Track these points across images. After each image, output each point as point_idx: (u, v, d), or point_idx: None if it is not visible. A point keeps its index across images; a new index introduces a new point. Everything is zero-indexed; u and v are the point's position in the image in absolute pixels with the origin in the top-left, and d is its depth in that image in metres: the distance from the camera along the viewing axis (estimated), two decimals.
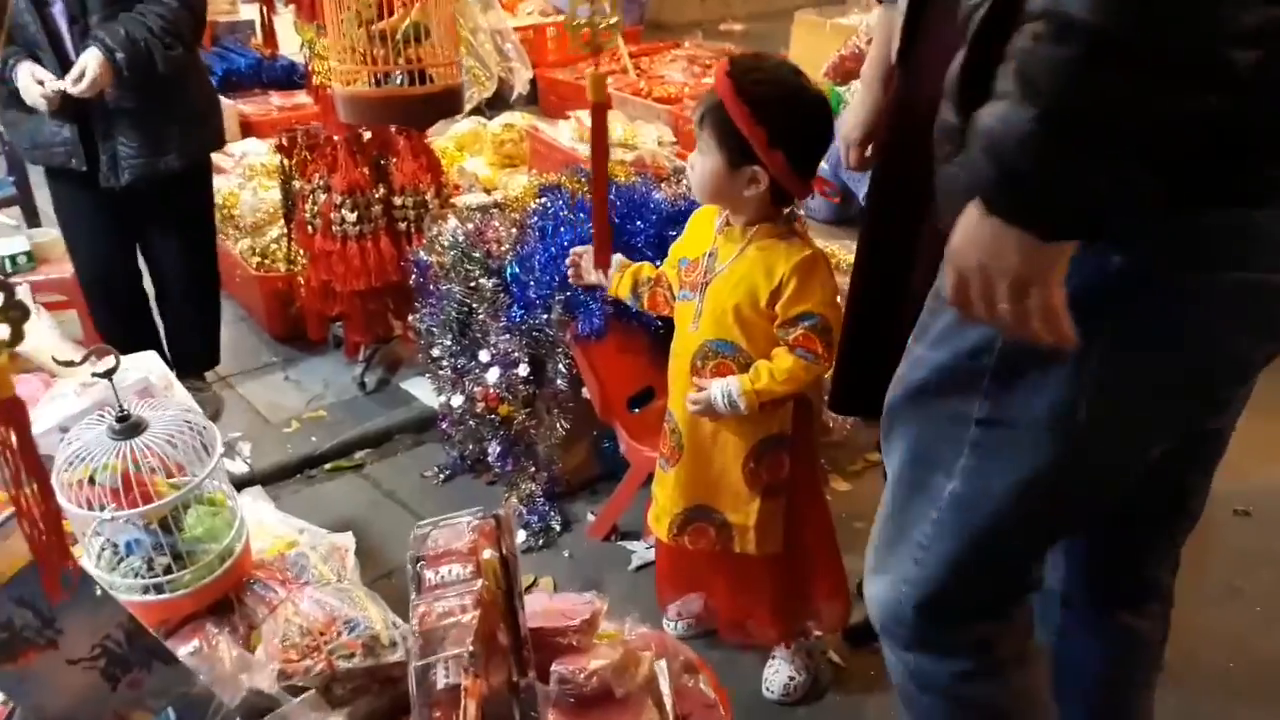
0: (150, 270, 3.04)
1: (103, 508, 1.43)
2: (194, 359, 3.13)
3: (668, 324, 2.51)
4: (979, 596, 1.24)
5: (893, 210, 1.83)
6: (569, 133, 3.63)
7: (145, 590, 1.47)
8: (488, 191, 2.97)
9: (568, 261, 2.14)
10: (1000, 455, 1.11)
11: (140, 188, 2.73)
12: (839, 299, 1.74)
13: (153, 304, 3.08)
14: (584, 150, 3.37)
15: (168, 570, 1.48)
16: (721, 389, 1.73)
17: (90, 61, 2.51)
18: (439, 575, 1.43)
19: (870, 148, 1.95)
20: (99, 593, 1.22)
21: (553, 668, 1.42)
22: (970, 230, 0.94)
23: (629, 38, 6.26)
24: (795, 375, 1.70)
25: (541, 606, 1.60)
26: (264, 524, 1.80)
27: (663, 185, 2.83)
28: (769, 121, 1.59)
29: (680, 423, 1.86)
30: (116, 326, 2.95)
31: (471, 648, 1.24)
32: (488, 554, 1.46)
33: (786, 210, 1.74)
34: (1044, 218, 0.89)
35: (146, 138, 2.69)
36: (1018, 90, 0.84)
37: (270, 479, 2.78)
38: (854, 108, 1.98)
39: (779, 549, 1.87)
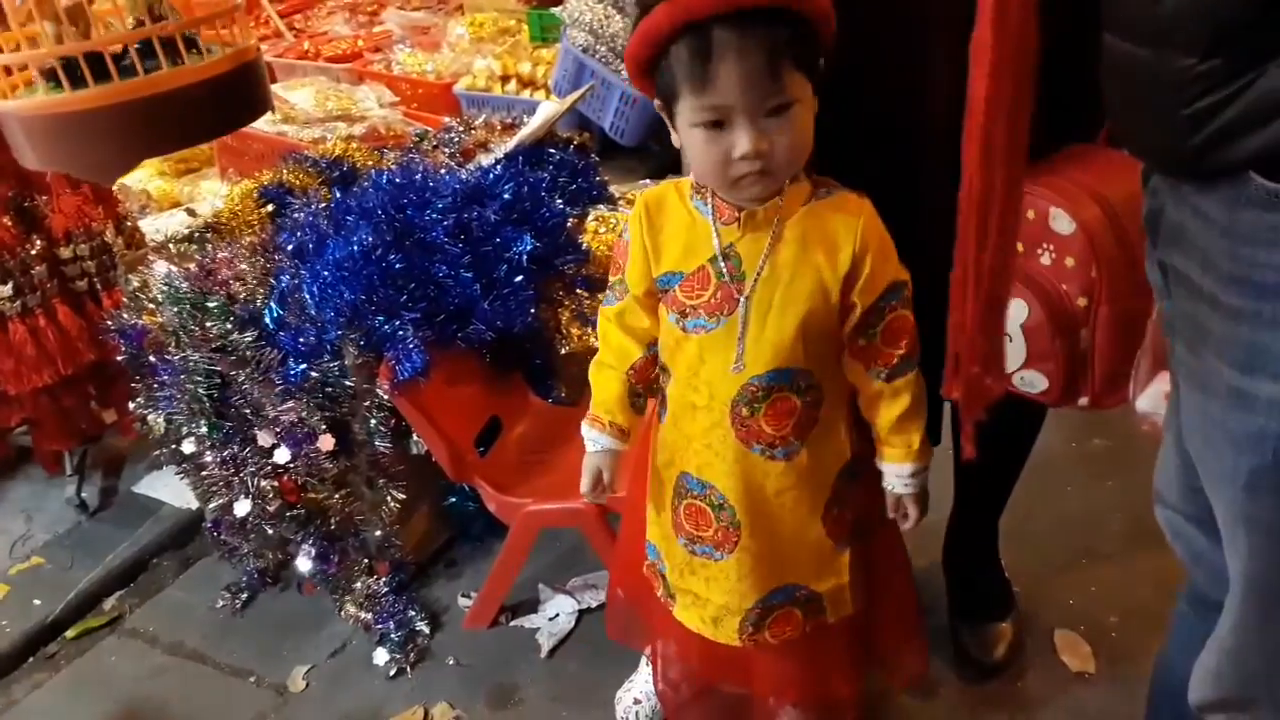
0: None
1: None
2: None
3: (500, 334, 1.93)
4: None
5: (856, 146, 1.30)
6: (267, 116, 2.85)
7: None
8: (191, 213, 2.21)
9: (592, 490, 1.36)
10: None
11: None
12: None
13: None
14: (294, 133, 2.64)
15: None
16: (899, 482, 1.30)
17: None
18: None
19: None
20: None
21: None
22: None
23: None
24: (920, 395, 1.26)
25: None
26: None
27: (416, 156, 2.22)
28: None
29: (729, 495, 1.29)
30: None
31: None
32: None
33: None
34: None
35: None
36: None
37: None
38: None
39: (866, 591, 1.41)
